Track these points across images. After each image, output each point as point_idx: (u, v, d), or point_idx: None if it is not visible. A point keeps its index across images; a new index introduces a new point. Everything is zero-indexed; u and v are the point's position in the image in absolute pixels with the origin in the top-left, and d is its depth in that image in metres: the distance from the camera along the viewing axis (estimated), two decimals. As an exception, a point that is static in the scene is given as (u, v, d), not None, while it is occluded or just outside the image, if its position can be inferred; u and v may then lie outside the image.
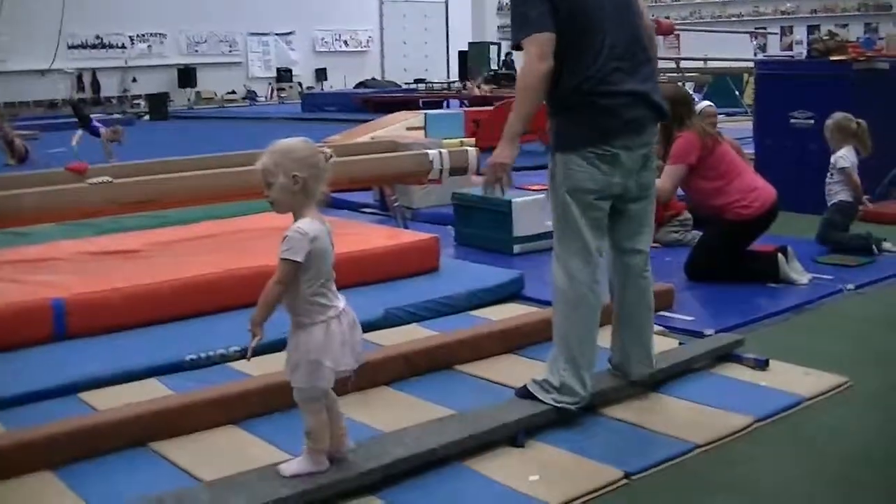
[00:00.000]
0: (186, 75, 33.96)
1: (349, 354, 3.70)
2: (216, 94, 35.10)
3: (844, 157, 8.02)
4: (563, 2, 4.41)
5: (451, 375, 5.13)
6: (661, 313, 5.87)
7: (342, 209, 9.97)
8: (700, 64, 22.27)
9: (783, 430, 4.45)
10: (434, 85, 31.43)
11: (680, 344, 5.49)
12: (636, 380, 4.80)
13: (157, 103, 29.47)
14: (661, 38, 15.77)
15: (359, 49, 40.21)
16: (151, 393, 4.72)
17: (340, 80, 37.54)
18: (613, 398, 4.72)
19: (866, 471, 4.02)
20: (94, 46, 32.59)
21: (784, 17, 37.16)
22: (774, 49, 33.74)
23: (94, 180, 6.81)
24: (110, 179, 6.82)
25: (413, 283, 6.54)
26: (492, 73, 30.30)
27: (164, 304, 5.79)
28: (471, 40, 33.36)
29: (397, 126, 15.34)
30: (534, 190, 9.82)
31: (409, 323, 5.94)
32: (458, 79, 33.07)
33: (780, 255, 6.88)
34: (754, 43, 32.42)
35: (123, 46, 33.28)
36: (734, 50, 23.62)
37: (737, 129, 13.82)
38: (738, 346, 5.37)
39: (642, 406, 4.68)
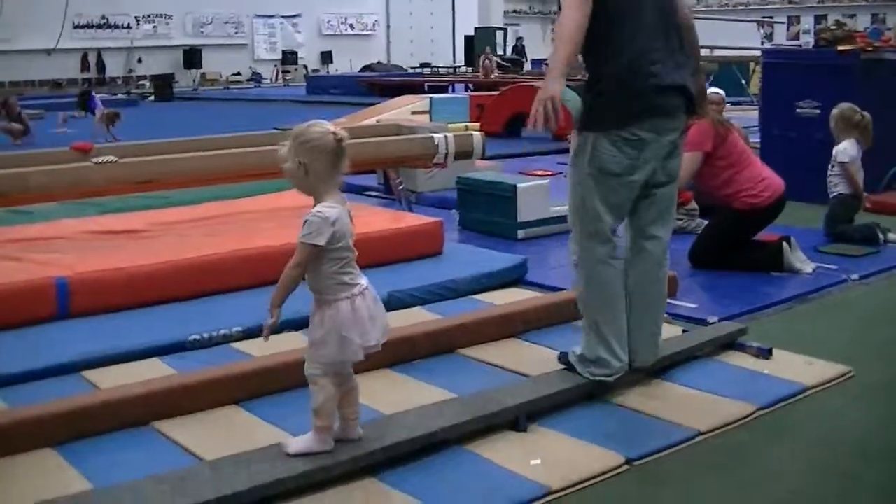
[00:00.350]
0: (192, 56, 34.02)
1: (376, 329, 3.72)
2: (221, 76, 35.15)
3: (845, 150, 7.98)
4: None
5: (454, 359, 5.12)
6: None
7: (346, 192, 9.90)
8: (706, 52, 22.24)
9: (785, 419, 4.45)
10: (440, 69, 31.43)
11: (683, 331, 5.48)
12: (638, 366, 4.78)
13: (162, 84, 29.51)
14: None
15: (365, 32, 40.24)
16: (154, 372, 4.74)
17: (346, 64, 37.57)
18: (615, 383, 4.70)
19: (867, 460, 4.02)
20: (99, 26, 32.64)
21: (791, 6, 37.18)
22: (781, 38, 33.79)
23: (99, 159, 6.80)
24: (115, 159, 6.81)
25: (417, 266, 6.54)
26: (498, 57, 30.32)
27: (167, 285, 5.79)
28: (477, 25, 33.30)
29: (402, 110, 15.31)
30: (538, 175, 9.83)
31: (412, 306, 5.94)
32: (464, 63, 33.08)
33: (784, 244, 6.87)
34: (761, 32, 32.41)
35: (129, 27, 33.34)
36: (741, 38, 23.57)
37: (742, 117, 13.79)
38: (742, 335, 5.37)
39: (645, 392, 4.68)
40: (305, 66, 37.29)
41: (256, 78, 36.11)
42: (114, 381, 4.59)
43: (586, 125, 4.57)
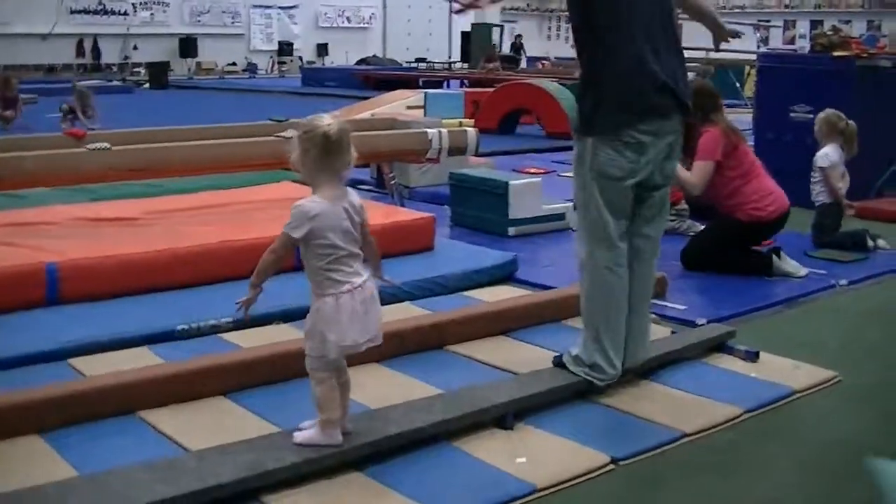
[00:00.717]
0: (187, 45, 33.97)
1: (358, 331, 3.70)
2: (216, 65, 35.11)
3: (826, 156, 7.92)
4: None
5: (442, 355, 5.13)
6: (654, 301, 5.83)
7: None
8: (702, 55, 22.26)
9: (771, 422, 4.47)
10: (435, 64, 31.44)
11: (672, 333, 5.50)
12: (629, 367, 4.78)
13: (158, 72, 29.44)
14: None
15: (361, 26, 40.22)
16: (142, 361, 4.73)
17: (342, 56, 37.55)
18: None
19: (853, 465, 4.02)
20: (95, 12, 32.57)
21: (787, 10, 37.24)
22: (777, 42, 33.83)
23: (92, 146, 6.79)
24: (108, 146, 6.80)
25: (407, 261, 6.53)
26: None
27: (157, 273, 5.79)
28: (474, 21, 33.28)
29: (397, 104, 15.33)
30: (531, 173, 9.84)
31: (401, 301, 5.93)
32: (459, 59, 33.09)
33: (774, 257, 6.90)
34: (757, 35, 32.45)
35: (126, 13, 33.27)
36: (736, 42, 23.58)
37: (737, 121, 13.77)
38: (730, 338, 5.37)
39: (632, 393, 4.69)
40: (301, 58, 37.26)
41: (252, 68, 36.06)
42: (101, 368, 4.59)
43: (585, 129, 4.60)
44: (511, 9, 42.60)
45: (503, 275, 6.63)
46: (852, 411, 4.63)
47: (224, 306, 5.40)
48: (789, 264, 6.94)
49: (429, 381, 4.67)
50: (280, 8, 37.75)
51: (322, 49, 38.38)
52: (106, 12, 32.89)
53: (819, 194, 7.98)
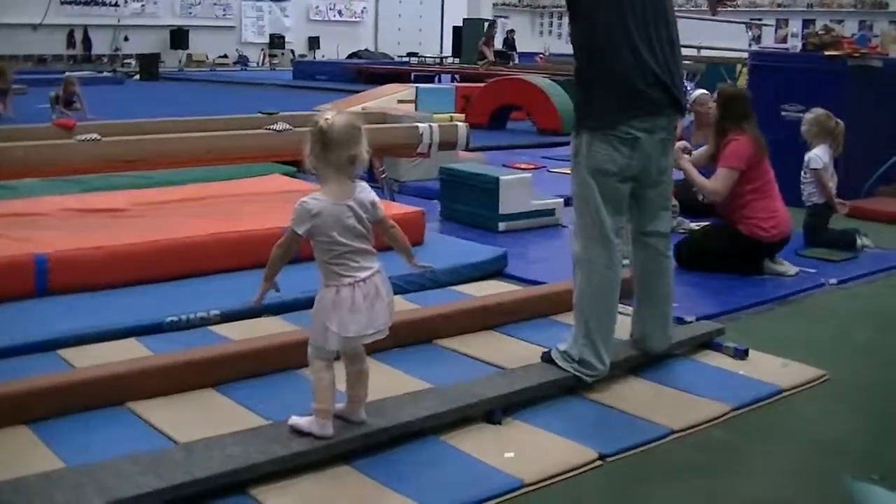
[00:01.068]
0: (179, 37, 33.90)
1: (359, 322, 3.72)
2: (207, 58, 35.04)
3: (818, 157, 7.90)
4: None
5: (431, 349, 5.12)
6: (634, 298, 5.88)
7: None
8: (693, 52, 22.28)
9: (759, 420, 4.47)
10: (427, 59, 31.41)
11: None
12: (656, 352, 4.98)
13: (148, 63, 29.38)
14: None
15: (353, 19, 40.17)
16: (130, 353, 4.72)
17: (333, 50, 37.50)
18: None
19: (840, 463, 4.03)
20: (86, 3, 32.46)
21: (780, 9, 37.25)
22: (769, 40, 33.83)
23: (82, 137, 6.78)
24: (98, 137, 6.79)
25: (397, 255, 6.51)
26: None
27: (147, 265, 5.78)
28: (466, 16, 33.26)
29: (388, 98, 15.29)
30: (521, 168, 9.84)
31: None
32: (451, 54, 33.05)
33: (766, 260, 6.92)
34: (749, 33, 32.46)
35: (116, 4, 33.17)
36: (728, 39, 23.61)
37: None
38: (719, 335, 5.38)
39: (620, 389, 4.69)
40: (292, 51, 37.21)
41: (243, 61, 35.99)
42: (90, 360, 4.58)
43: (581, 124, 4.66)
44: (503, 4, 42.57)
45: (493, 270, 6.63)
46: (840, 410, 4.64)
47: (213, 298, 5.43)
48: (780, 263, 6.95)
49: (418, 375, 4.67)
50: (272, 0, 37.69)
51: (314, 42, 38.33)
52: (97, 3, 32.79)
53: (811, 195, 7.97)
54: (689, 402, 4.57)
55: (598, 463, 3.93)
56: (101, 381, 4.22)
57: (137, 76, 28.98)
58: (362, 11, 40.44)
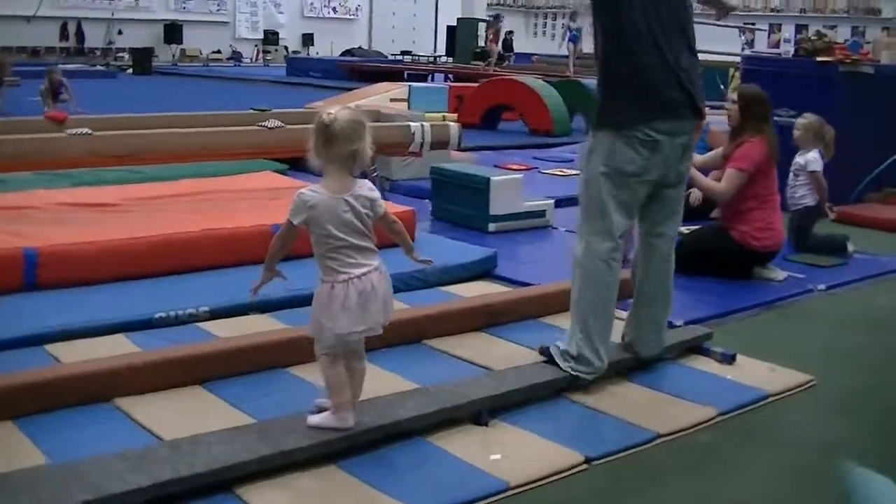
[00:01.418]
0: (172, 31, 33.82)
1: (350, 320, 3.75)
2: (201, 53, 34.97)
3: (816, 160, 7.93)
4: None
5: (420, 349, 5.13)
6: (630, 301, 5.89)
7: (320, 174, 9.89)
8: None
9: (746, 425, 4.48)
10: (420, 58, 31.42)
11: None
12: (645, 357, 4.98)
13: (142, 58, 29.33)
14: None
15: (347, 17, 40.15)
16: (118, 349, 4.72)
17: (327, 47, 37.48)
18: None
19: (825, 468, 4.03)
20: (80, -5, 32.39)
21: (773, 14, 37.34)
22: (762, 45, 33.87)
23: (73, 131, 6.77)
24: (89, 131, 6.79)
25: (387, 254, 6.45)
26: (479, 49, 30.31)
27: (137, 261, 5.77)
28: (460, 15, 33.26)
29: (381, 96, 15.32)
30: (513, 169, 9.83)
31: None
32: (444, 53, 33.07)
33: (755, 267, 6.94)
34: (742, 38, 32.48)
35: (111, -3, 33.08)
36: (721, 43, 23.62)
37: (720, 121, 13.81)
38: (707, 339, 5.39)
39: (607, 392, 4.70)
40: (286, 48, 37.17)
41: (237, 56, 35.94)
42: (77, 355, 4.57)
43: (602, 123, 4.70)
44: (497, 4, 42.57)
45: (482, 270, 6.63)
46: (826, 415, 4.65)
47: (202, 295, 5.43)
48: (769, 268, 6.97)
49: (405, 375, 4.67)
50: (267, -4, 37.69)
51: (307, 39, 38.29)
52: (90, -4, 32.77)
53: (802, 198, 7.97)
54: (676, 406, 4.58)
55: (585, 466, 3.94)
56: (88, 377, 4.21)
57: (130, 70, 28.94)
58: (357, 9, 40.42)
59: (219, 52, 35.79)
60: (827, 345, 5.77)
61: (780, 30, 36.03)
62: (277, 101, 15.19)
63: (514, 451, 3.99)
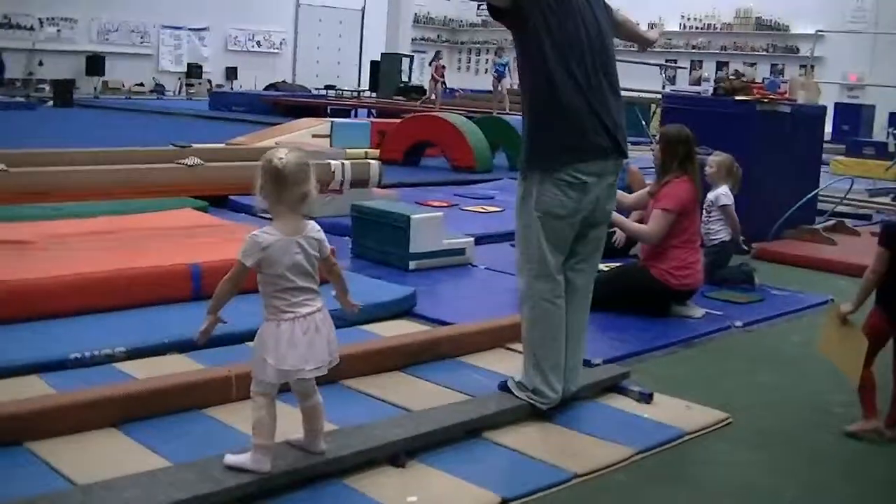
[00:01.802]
0: (95, 63, 33.55)
1: (297, 357, 3.76)
2: (123, 85, 34.73)
3: (725, 194, 8.13)
4: (554, 6, 4.69)
5: (337, 389, 5.08)
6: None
7: (240, 212, 9.87)
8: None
9: (663, 463, 4.51)
10: (344, 92, 31.47)
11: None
12: (571, 391, 5.02)
13: (63, 89, 28.98)
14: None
15: (271, 50, 40.16)
16: (32, 390, 4.63)
17: (251, 81, 37.42)
18: (497, 423, 4.73)
19: (742, 507, 4.09)
20: (0, 26, 32.07)
21: (695, 51, 37.80)
22: (683, 82, 34.26)
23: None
24: (5, 168, 6.71)
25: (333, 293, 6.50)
26: (402, 84, 30.39)
27: (51, 300, 5.68)
28: (384, 51, 33.35)
29: (303, 132, 15.33)
30: (434, 206, 9.84)
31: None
32: (368, 88, 33.13)
33: (672, 304, 7.01)
34: (663, 75, 32.89)
35: (32, 28, 32.83)
36: (644, 80, 23.88)
37: (641, 158, 13.98)
38: (625, 378, 5.41)
39: (524, 432, 4.70)
40: (210, 81, 37.04)
41: (159, 89, 35.75)
42: (-11, 397, 4.49)
43: (530, 168, 4.81)
44: (422, 39, 42.73)
45: (402, 309, 6.60)
46: (742, 453, 4.69)
47: (119, 335, 5.36)
48: (687, 305, 7.03)
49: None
50: (190, 29, 37.52)
51: (231, 72, 38.20)
52: (11, 26, 32.44)
53: (717, 233, 8.12)
54: (593, 446, 4.59)
55: (501, 507, 3.94)
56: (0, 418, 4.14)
57: (51, 102, 28.63)
58: (281, 43, 40.41)
59: (142, 84, 35.57)
60: (743, 382, 5.82)
61: (701, 66, 36.50)
62: (199, 135, 15.14)
63: (431, 493, 3.98)
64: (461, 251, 8.32)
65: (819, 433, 5.02)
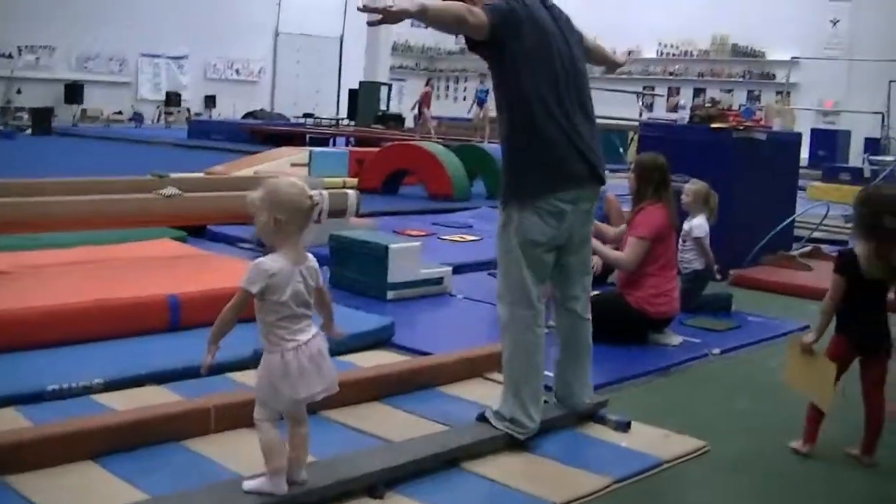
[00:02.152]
0: (73, 91, 33.52)
1: (309, 384, 3.84)
2: (102, 113, 34.69)
3: (700, 226, 8.16)
4: (528, 36, 4.75)
5: (315, 420, 5.03)
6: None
7: (218, 242, 9.87)
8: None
9: (640, 492, 4.52)
10: (322, 120, 31.50)
11: (545, 402, 5.52)
12: (581, 411, 5.20)
13: (41, 118, 28.91)
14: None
15: (250, 79, 40.20)
16: (8, 423, 4.61)
17: (229, 109, 37.44)
18: (476, 452, 4.75)
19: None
20: (-23, 53, 32.07)
21: (672, 78, 37.95)
22: (660, 109, 34.44)
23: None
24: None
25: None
26: (381, 113, 30.45)
27: (28, 331, 5.66)
28: (363, 79, 33.42)
29: (282, 161, 15.33)
30: (412, 235, 9.85)
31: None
32: (346, 116, 33.18)
33: (648, 332, 7.03)
34: (640, 102, 33.03)
35: (10, 56, 32.79)
36: (621, 108, 24.00)
37: (619, 185, 13.99)
38: (602, 407, 5.42)
39: (502, 462, 4.70)
40: (188, 109, 37.04)
41: (138, 118, 35.72)
42: (-36, 430, 4.47)
43: (509, 197, 4.87)
44: (399, 67, 42.82)
45: (380, 339, 6.60)
46: (720, 481, 4.71)
47: (96, 366, 5.34)
48: (664, 333, 7.05)
49: (301, 447, 4.63)
50: (169, 57, 37.53)
51: (210, 101, 38.22)
52: (-12, 54, 32.44)
53: (692, 262, 8.15)
54: (571, 475, 4.60)
55: (479, 538, 3.95)
56: (-24, 453, 4.13)
57: (29, 130, 28.55)
58: (259, 71, 40.46)
59: (120, 112, 35.55)
60: (720, 409, 5.84)
61: (678, 93, 36.67)
62: (178, 164, 15.10)
63: (408, 524, 3.99)
64: (439, 280, 8.33)
65: (797, 459, 5.04)
